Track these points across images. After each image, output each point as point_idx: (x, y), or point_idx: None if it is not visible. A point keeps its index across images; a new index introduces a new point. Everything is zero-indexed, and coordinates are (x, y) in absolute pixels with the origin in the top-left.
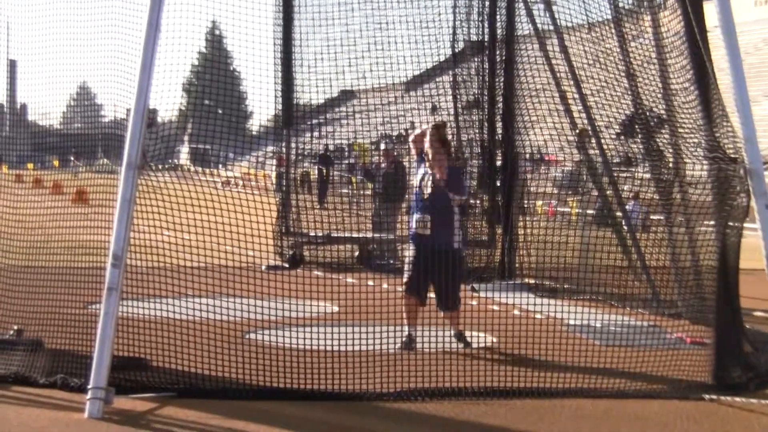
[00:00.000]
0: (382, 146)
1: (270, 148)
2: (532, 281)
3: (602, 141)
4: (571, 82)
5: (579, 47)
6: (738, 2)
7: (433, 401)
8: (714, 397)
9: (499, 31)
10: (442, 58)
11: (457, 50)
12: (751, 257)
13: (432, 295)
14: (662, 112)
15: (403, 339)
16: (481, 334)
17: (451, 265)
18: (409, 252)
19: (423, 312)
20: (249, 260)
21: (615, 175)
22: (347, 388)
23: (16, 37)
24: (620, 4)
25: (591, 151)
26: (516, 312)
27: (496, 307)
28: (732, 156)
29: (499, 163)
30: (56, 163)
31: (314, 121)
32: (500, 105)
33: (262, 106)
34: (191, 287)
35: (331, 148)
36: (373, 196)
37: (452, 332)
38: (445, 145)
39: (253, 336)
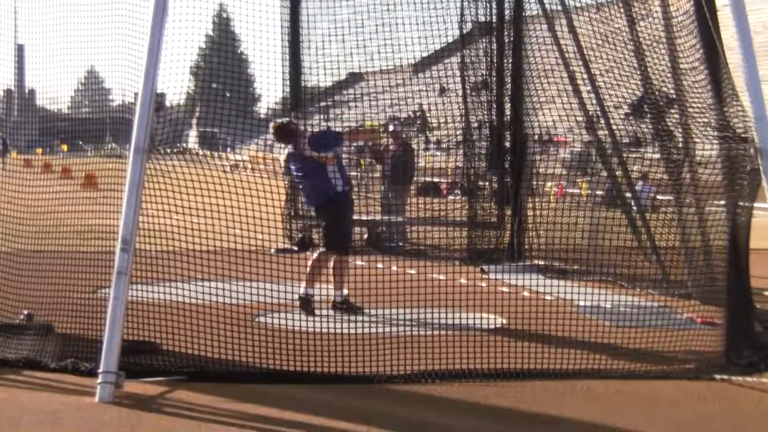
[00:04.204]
0: (391, 128)
1: None
2: (541, 263)
3: (611, 121)
4: (580, 63)
5: (587, 27)
6: None
7: (442, 383)
8: (725, 377)
9: (507, 12)
10: (450, 40)
11: (465, 31)
12: (761, 237)
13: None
14: (671, 91)
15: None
16: (491, 316)
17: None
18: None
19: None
20: (258, 244)
21: (624, 155)
22: (357, 370)
23: (23, 22)
24: None
25: (600, 132)
26: (526, 293)
27: (505, 289)
28: (742, 135)
29: (508, 144)
30: (65, 147)
31: (322, 104)
32: (509, 86)
33: (270, 89)
34: (200, 271)
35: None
36: (381, 179)
37: (336, 296)
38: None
39: (262, 319)
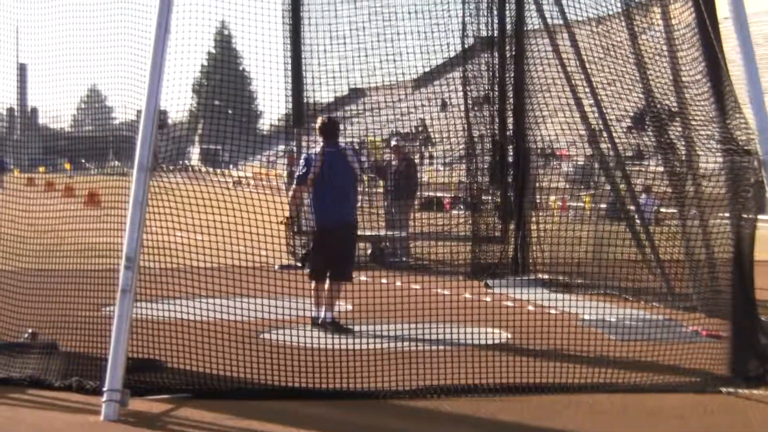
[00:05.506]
0: (393, 143)
1: (281, 148)
2: (545, 277)
3: (614, 134)
4: (582, 76)
5: (589, 41)
6: None
7: (448, 398)
8: (731, 390)
9: (508, 26)
10: (452, 54)
11: (467, 46)
12: (766, 249)
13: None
14: (674, 104)
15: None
16: (496, 330)
17: None
18: None
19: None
20: (262, 260)
21: (627, 168)
22: (362, 386)
23: (25, 41)
24: None
25: (603, 145)
26: (530, 307)
27: (510, 303)
28: (745, 147)
29: (510, 158)
30: (68, 166)
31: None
32: (511, 100)
33: (272, 105)
34: (204, 288)
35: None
36: (384, 194)
37: (326, 315)
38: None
39: (267, 335)
